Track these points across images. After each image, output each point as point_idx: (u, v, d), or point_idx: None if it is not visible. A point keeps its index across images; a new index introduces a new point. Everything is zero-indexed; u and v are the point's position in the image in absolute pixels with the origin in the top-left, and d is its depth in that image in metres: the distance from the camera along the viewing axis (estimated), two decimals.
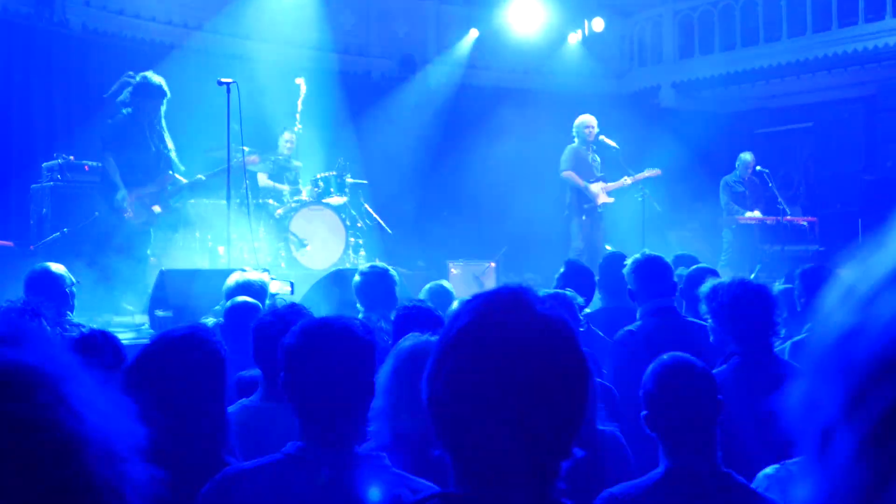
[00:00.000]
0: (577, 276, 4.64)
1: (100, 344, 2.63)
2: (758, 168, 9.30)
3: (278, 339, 2.03)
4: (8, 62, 8.02)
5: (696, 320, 3.69)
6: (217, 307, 4.49)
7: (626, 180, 8.36)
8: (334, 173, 8.00)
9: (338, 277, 6.36)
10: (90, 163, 7.34)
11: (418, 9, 11.33)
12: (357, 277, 4.58)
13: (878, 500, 0.51)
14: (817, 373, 0.58)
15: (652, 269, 3.95)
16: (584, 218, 8.34)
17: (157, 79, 6.79)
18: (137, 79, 6.78)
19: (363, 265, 5.02)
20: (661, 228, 8.25)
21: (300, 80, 8.20)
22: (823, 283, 3.78)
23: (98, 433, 0.61)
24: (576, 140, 8.49)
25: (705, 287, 3.16)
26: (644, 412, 2.17)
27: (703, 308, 3.15)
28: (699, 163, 10.28)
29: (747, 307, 2.98)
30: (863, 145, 10.95)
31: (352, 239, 7.88)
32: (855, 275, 0.59)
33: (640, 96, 11.66)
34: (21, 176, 8.02)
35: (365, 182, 8.58)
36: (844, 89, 10.81)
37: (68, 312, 4.22)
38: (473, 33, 11.29)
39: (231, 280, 4.48)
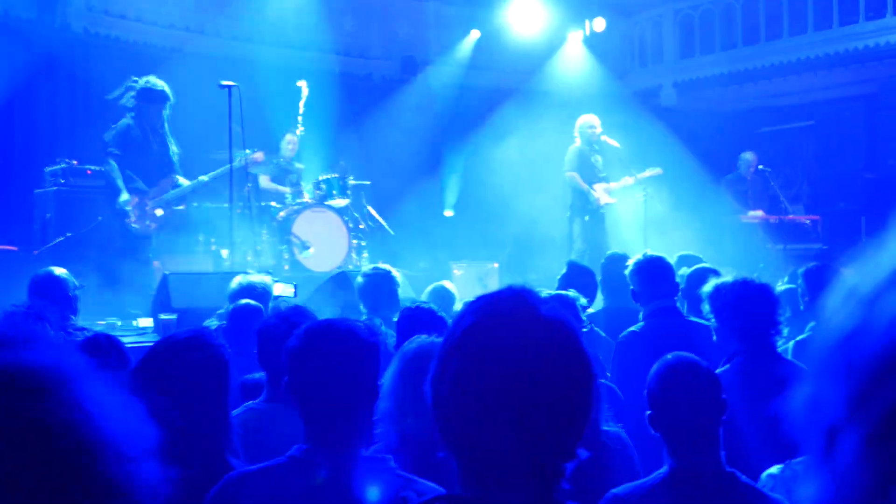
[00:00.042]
0: (578, 276, 4.65)
1: (104, 347, 2.63)
2: (759, 167, 9.29)
3: (283, 341, 2.03)
4: (10, 66, 8.03)
5: (698, 320, 3.69)
6: (221, 310, 4.49)
7: (628, 180, 8.35)
8: (336, 175, 8.01)
9: (341, 280, 6.37)
10: (93, 167, 7.36)
11: (419, 10, 11.33)
12: (360, 279, 4.58)
13: (884, 498, 0.51)
14: (822, 372, 0.58)
15: (654, 269, 3.95)
16: (586, 218, 8.34)
17: (160, 83, 6.80)
18: (141, 83, 6.80)
19: (366, 267, 5.03)
20: (663, 228, 8.24)
21: (302, 83, 8.21)
22: (826, 282, 3.78)
23: (111, 434, 0.62)
24: (579, 140, 8.48)
25: (708, 287, 3.16)
26: (648, 412, 2.18)
27: (707, 308, 3.15)
28: (701, 162, 10.27)
29: (750, 306, 2.98)
30: (864, 143, 10.94)
31: (354, 241, 7.88)
32: (858, 274, 0.59)
33: (641, 96, 11.65)
34: (24, 181, 8.03)
35: (367, 183, 8.58)
36: (846, 87, 10.79)
37: (72, 316, 4.23)
38: (474, 34, 11.29)
39: (235, 283, 4.49)
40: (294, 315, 2.82)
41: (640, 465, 2.52)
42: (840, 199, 10.49)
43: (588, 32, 11.56)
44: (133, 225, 6.70)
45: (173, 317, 5.29)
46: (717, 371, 2.58)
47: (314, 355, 1.91)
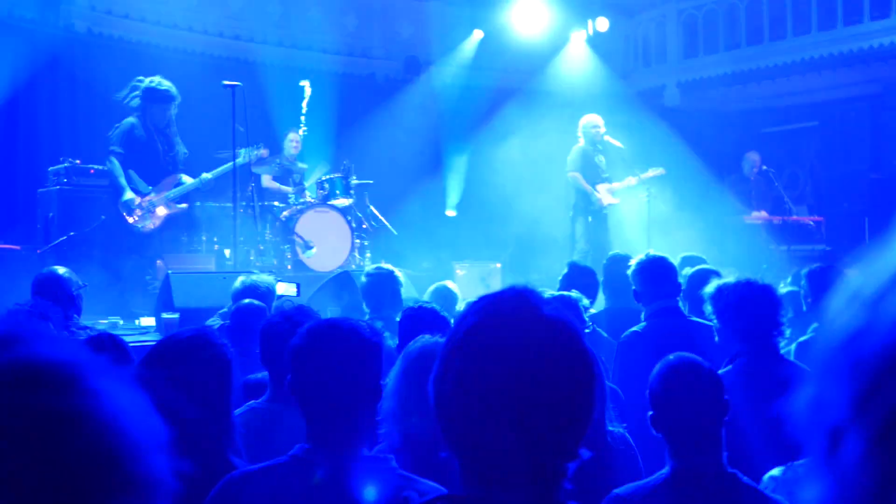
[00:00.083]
0: (579, 277, 4.65)
1: (106, 346, 2.63)
2: (763, 168, 9.28)
3: (286, 340, 2.03)
4: (14, 66, 8.04)
5: (700, 320, 3.69)
6: (223, 309, 4.50)
7: (632, 180, 8.35)
8: (340, 175, 8.01)
9: (344, 279, 6.37)
10: (96, 166, 7.38)
11: (421, 10, 11.33)
12: (363, 279, 4.59)
13: (888, 500, 0.51)
14: (825, 373, 0.58)
15: (656, 269, 3.94)
16: (589, 219, 8.33)
17: (166, 83, 6.82)
18: (146, 83, 6.81)
19: (369, 267, 5.03)
20: (666, 228, 8.23)
21: (305, 83, 8.22)
22: (830, 282, 3.78)
23: (131, 426, 0.64)
24: (582, 140, 8.47)
25: (710, 287, 3.15)
26: (650, 412, 2.17)
27: (709, 308, 3.14)
28: (704, 162, 10.26)
29: (753, 307, 2.97)
30: (869, 144, 10.91)
31: (357, 241, 7.88)
32: (862, 275, 0.59)
33: (644, 96, 11.64)
34: (28, 180, 8.05)
35: (370, 183, 8.58)
36: (850, 88, 10.77)
37: (75, 315, 4.23)
38: (477, 34, 11.28)
39: (238, 282, 4.50)
40: (297, 314, 2.82)
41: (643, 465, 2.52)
42: (844, 200, 10.47)
43: (591, 32, 11.55)
44: (133, 223, 6.71)
45: (175, 316, 5.29)
46: (720, 372, 2.57)
47: (316, 354, 1.91)
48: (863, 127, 10.92)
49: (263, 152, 7.33)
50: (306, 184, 8.23)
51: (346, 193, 7.93)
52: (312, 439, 1.88)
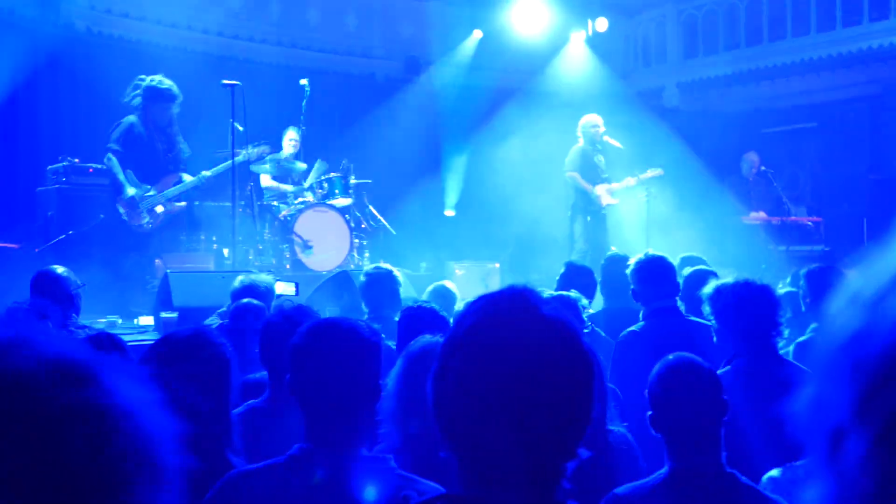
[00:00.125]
0: (577, 276, 4.65)
1: (105, 345, 2.63)
2: (762, 168, 9.28)
3: (285, 340, 2.03)
4: (13, 65, 8.04)
5: (699, 320, 3.69)
6: (222, 309, 4.50)
7: (631, 181, 8.35)
8: (339, 175, 8.01)
9: (342, 279, 6.37)
10: (95, 165, 7.37)
11: (421, 10, 11.32)
12: (362, 279, 4.58)
13: (889, 500, 0.51)
14: (826, 374, 0.58)
15: (654, 269, 3.94)
16: (588, 219, 8.33)
17: (167, 82, 6.82)
18: (147, 82, 6.81)
19: (368, 266, 5.03)
20: (666, 228, 8.24)
21: (304, 81, 8.22)
22: (829, 283, 3.78)
23: (146, 420, 0.65)
24: (582, 140, 8.48)
25: (709, 288, 3.15)
26: (649, 412, 2.17)
27: (707, 309, 3.14)
28: (704, 163, 10.26)
29: (751, 308, 2.97)
30: (868, 145, 10.92)
31: (356, 240, 7.88)
32: (862, 276, 0.59)
33: (644, 96, 11.64)
34: (27, 178, 8.04)
35: (369, 182, 8.58)
36: (849, 89, 10.78)
37: (73, 314, 4.23)
38: (477, 34, 11.28)
39: (237, 282, 4.50)
40: (297, 314, 2.82)
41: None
42: (843, 201, 10.48)
43: (591, 32, 11.55)
44: (133, 221, 6.71)
45: (174, 315, 5.29)
46: (718, 372, 2.57)
47: (316, 354, 1.91)
48: (862, 128, 10.93)
49: (264, 150, 7.33)
50: (305, 183, 8.23)
51: (345, 193, 7.93)
52: (312, 439, 1.88)
